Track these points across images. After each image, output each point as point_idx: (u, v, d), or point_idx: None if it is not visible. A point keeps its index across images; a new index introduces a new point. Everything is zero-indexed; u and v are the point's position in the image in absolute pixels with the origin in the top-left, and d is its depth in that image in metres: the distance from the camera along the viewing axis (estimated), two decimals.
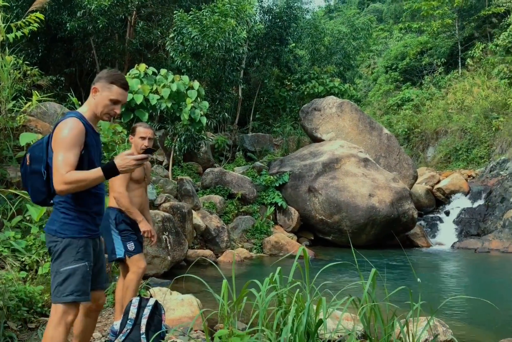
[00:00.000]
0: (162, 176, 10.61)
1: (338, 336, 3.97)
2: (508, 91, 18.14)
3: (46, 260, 4.77)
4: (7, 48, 6.64)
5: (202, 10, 12.67)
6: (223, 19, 12.29)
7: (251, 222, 11.22)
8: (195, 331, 4.32)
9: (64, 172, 2.47)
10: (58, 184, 2.48)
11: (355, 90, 20.74)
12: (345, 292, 2.79)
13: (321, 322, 2.46)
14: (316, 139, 14.28)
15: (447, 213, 13.90)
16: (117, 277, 4.79)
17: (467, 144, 18.68)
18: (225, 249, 9.68)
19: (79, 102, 7.33)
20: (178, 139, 10.77)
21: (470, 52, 21.56)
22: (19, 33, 6.87)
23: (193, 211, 9.51)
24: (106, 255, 5.49)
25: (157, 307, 3.46)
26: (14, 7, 11.91)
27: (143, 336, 3.27)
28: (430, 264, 10.06)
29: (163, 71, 10.18)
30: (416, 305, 2.52)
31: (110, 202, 3.97)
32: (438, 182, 14.99)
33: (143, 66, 9.99)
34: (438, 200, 14.54)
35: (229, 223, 10.97)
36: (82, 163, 2.61)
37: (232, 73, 14.14)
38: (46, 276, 4.52)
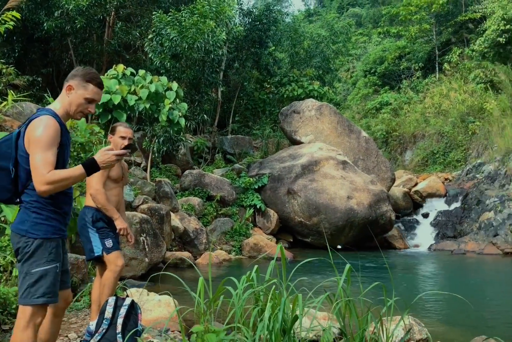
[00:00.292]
0: (140, 177, 10.53)
1: (315, 336, 3.99)
2: (484, 96, 18.47)
3: None
4: None
5: (181, 12, 12.65)
6: (202, 20, 12.28)
7: (230, 224, 11.20)
8: (172, 331, 4.29)
9: (45, 172, 2.40)
10: (40, 184, 2.40)
11: (334, 94, 20.90)
12: (321, 289, 2.80)
13: (296, 318, 2.46)
14: (295, 142, 14.34)
15: (424, 215, 14.08)
16: (93, 278, 4.74)
17: (444, 147, 18.95)
18: (203, 251, 9.64)
19: None
20: (156, 141, 10.70)
21: (447, 57, 21.91)
22: None
23: (172, 213, 9.45)
24: (81, 256, 5.43)
25: (133, 307, 3.42)
26: None
27: (119, 335, 3.23)
28: (407, 265, 10.16)
29: (141, 72, 10.12)
30: (390, 301, 2.54)
31: (87, 201, 3.92)
32: (416, 184, 15.18)
33: (121, 66, 9.92)
34: (416, 203, 14.71)
35: (208, 225, 10.93)
36: (57, 163, 2.51)
37: (211, 75, 14.12)
38: None
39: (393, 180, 13.89)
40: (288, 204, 11.94)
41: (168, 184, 10.58)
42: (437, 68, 22.73)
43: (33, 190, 2.51)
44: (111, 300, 3.40)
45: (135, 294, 4.80)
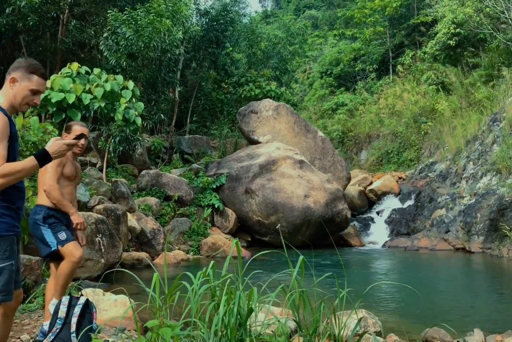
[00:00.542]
0: (96, 178, 10.37)
1: (272, 331, 4.04)
2: (435, 97, 19.03)
3: None
4: None
5: (137, 10, 12.51)
6: (158, 19, 12.18)
7: (188, 224, 11.16)
8: (129, 331, 4.26)
9: None
10: None
11: (291, 95, 21.10)
12: (276, 282, 2.85)
13: (252, 311, 2.50)
14: (253, 142, 14.41)
15: (379, 213, 14.40)
16: (46, 279, 4.65)
17: (398, 147, 19.42)
18: (161, 252, 9.57)
19: None
20: (112, 140, 10.55)
21: (400, 59, 22.48)
22: None
23: (128, 213, 9.34)
24: (34, 257, 5.31)
25: (88, 306, 3.38)
26: None
27: (73, 335, 3.19)
28: (363, 262, 10.38)
29: (96, 70, 9.95)
30: (343, 292, 2.61)
31: (39, 199, 3.84)
32: (371, 183, 15.51)
33: (75, 65, 9.72)
34: (371, 201, 15.04)
35: (165, 225, 10.85)
36: (8, 156, 2.47)
37: (168, 75, 14.03)
38: None
39: (348, 179, 14.15)
40: (246, 203, 12.00)
41: (125, 184, 10.45)
42: (391, 70, 23.28)
43: None
44: (65, 299, 3.35)
45: (90, 294, 4.74)
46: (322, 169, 13.58)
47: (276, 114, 14.31)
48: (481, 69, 17.99)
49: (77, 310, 3.28)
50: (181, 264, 9.27)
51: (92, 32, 13.62)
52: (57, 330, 3.22)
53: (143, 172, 11.73)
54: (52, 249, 3.73)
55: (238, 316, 2.57)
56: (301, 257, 2.64)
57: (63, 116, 9.26)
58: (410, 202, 14.45)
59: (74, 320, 3.24)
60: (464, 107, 17.45)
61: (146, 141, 13.12)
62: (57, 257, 3.79)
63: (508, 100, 14.36)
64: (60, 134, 5.63)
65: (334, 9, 36.35)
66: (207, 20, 17.22)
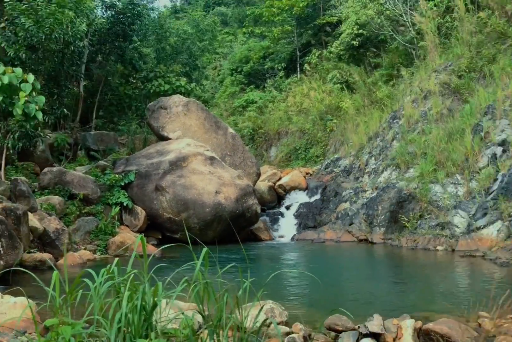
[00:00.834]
0: None
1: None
2: (340, 95, 19.78)
3: None
4: None
5: (37, 0, 11.88)
6: (60, 10, 11.65)
7: (95, 223, 10.81)
8: (29, 333, 4.07)
9: None
10: None
11: (202, 91, 21.03)
12: (183, 277, 2.85)
13: (156, 305, 2.48)
14: (163, 138, 14.22)
15: (288, 208, 14.78)
16: None
17: (305, 144, 19.99)
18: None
19: None
20: (11, 136, 9.97)
21: (307, 58, 23.08)
22: None
23: (30, 213, 8.88)
24: None
25: None
26: None
27: None
28: (272, 255, 10.63)
29: None
30: (247, 282, 2.67)
31: None
32: (280, 179, 15.87)
33: None
34: (280, 196, 15.40)
35: (70, 225, 10.44)
36: None
37: (71, 68, 13.48)
38: None
39: (258, 175, 14.39)
40: (157, 201, 11.83)
41: (25, 182, 9.91)
42: (298, 68, 23.85)
43: None
44: None
45: None
46: (232, 166, 13.69)
47: (187, 110, 14.22)
48: (382, 69, 18.94)
49: None
50: (88, 264, 8.97)
51: None
52: None
53: (45, 170, 11.20)
54: None
55: (144, 312, 2.54)
56: (205, 249, 2.66)
57: None
58: (316, 196, 14.96)
59: None
60: (367, 105, 18.28)
61: (48, 137, 12.53)
62: None
63: (406, 99, 15.27)
64: None
65: (243, 7, 36.64)
66: (113, 13, 16.71)
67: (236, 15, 37.34)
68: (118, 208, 11.48)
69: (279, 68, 24.55)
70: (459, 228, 10.20)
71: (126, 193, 11.97)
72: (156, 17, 20.73)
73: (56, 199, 10.48)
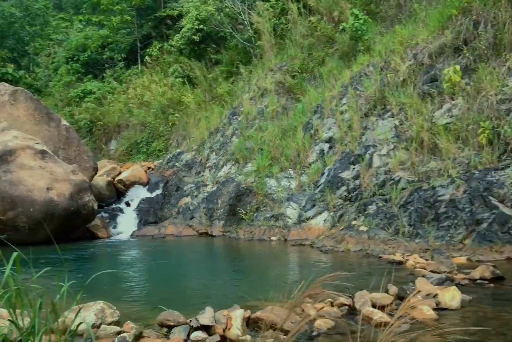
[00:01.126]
0: None
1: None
2: (182, 89, 19.76)
3: None
4: None
5: None
6: None
7: None
8: None
9: None
10: None
11: (34, 79, 19.50)
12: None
13: None
14: None
15: (128, 204, 14.41)
16: None
17: (147, 137, 19.68)
18: None
19: None
20: None
21: (148, 50, 22.65)
22: None
23: None
24: None
25: None
26: None
27: None
28: (109, 253, 10.29)
29: None
30: (65, 286, 2.53)
31: None
32: (119, 173, 15.39)
33: None
34: (120, 191, 14.95)
35: None
36: None
37: None
38: None
39: (95, 169, 13.80)
40: None
41: None
42: (139, 60, 23.31)
43: None
44: None
45: None
46: (67, 160, 12.93)
47: (13, 100, 13.08)
48: (223, 66, 19.33)
49: None
50: None
51: None
52: None
53: None
54: None
55: None
56: (15, 254, 2.46)
57: None
58: (158, 191, 14.81)
59: None
60: (208, 101, 18.55)
61: None
62: None
63: (245, 96, 15.79)
64: None
65: None
66: None
67: (72, 1, 35.15)
68: None
69: (119, 58, 23.76)
70: (291, 219, 10.85)
71: None
72: None
73: None
